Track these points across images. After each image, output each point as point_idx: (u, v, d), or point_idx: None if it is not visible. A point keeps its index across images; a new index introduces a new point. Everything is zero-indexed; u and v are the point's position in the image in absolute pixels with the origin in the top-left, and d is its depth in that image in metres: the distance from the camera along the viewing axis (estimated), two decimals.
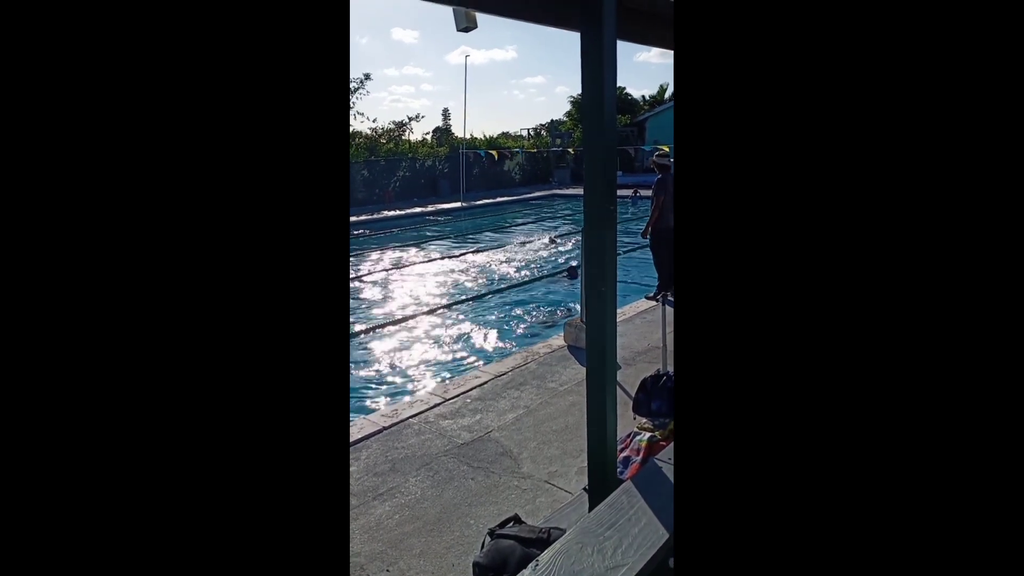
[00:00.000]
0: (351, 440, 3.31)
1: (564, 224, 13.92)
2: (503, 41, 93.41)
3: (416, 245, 11.69)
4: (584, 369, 1.96)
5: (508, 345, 5.75)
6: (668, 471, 1.66)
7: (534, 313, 6.82)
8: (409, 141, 22.19)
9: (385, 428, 3.48)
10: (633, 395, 2.60)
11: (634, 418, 2.60)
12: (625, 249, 9.58)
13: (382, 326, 6.44)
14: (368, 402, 4.67)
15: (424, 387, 4.77)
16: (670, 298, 5.81)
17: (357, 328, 6.33)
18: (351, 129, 19.28)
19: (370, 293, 7.97)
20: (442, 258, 10.27)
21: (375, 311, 7.09)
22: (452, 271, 9.21)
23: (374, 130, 21.25)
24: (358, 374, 5.18)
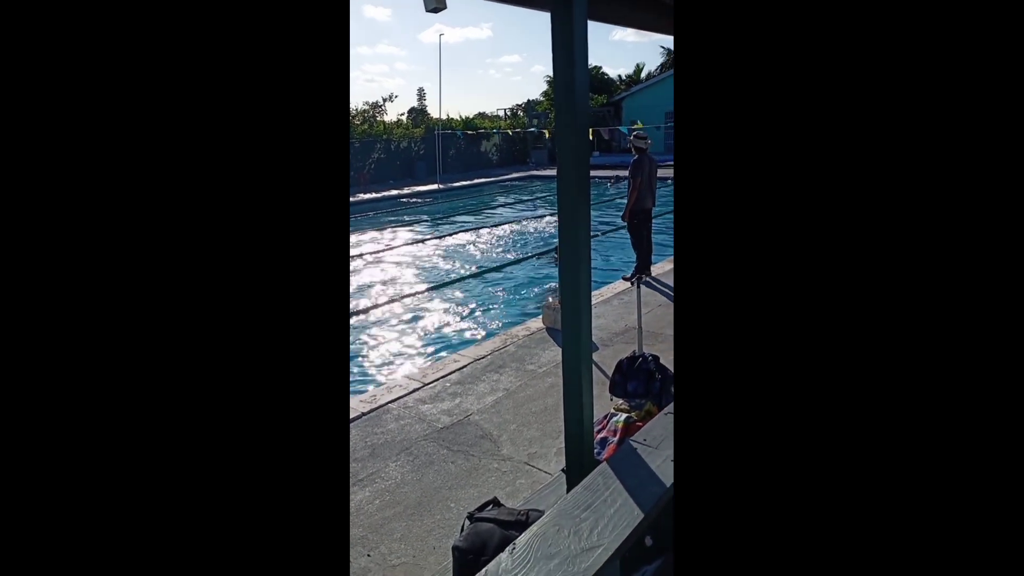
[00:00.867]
0: None
1: (544, 206, 13.88)
2: (477, 19, 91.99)
3: (393, 228, 11.57)
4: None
5: (490, 327, 5.76)
6: (643, 452, 1.69)
7: (517, 295, 6.82)
8: (384, 122, 21.83)
9: (364, 414, 3.47)
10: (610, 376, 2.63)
11: (611, 399, 2.63)
12: (604, 230, 9.61)
13: (362, 312, 6.39)
14: None
15: (402, 372, 4.76)
16: (646, 279, 5.85)
17: None
18: None
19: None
20: (421, 241, 10.19)
21: (352, 297, 7.03)
22: (430, 255, 9.16)
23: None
24: None
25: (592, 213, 1.75)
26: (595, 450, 2.25)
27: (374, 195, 15.92)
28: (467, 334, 5.65)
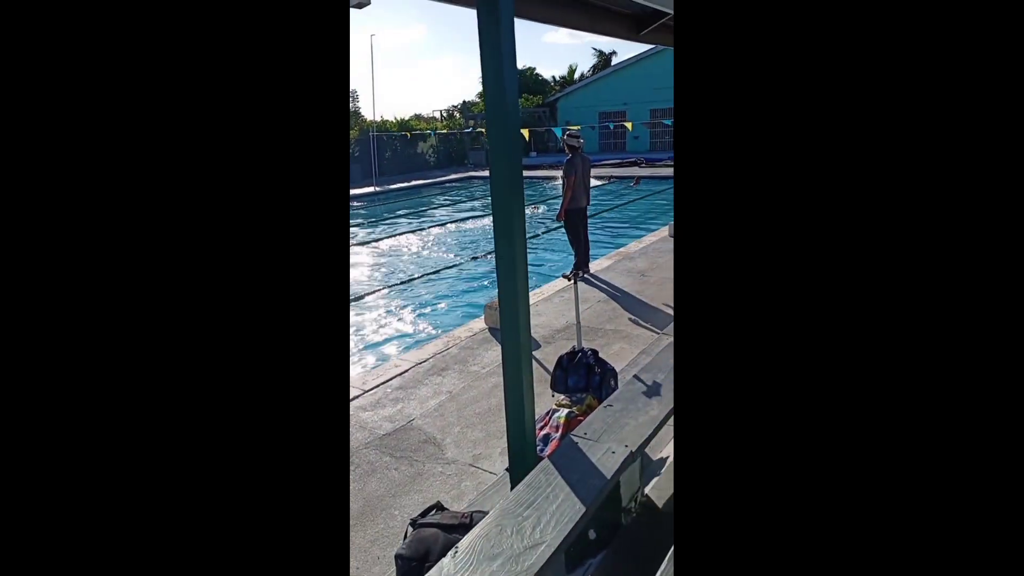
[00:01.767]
0: None
1: (483, 209, 13.87)
2: (410, 20, 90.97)
3: None
4: None
5: (431, 331, 5.69)
6: (584, 446, 1.70)
7: (459, 297, 6.77)
8: None
9: None
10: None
11: (553, 395, 2.65)
12: (541, 230, 9.69)
13: None
14: None
15: None
16: (584, 276, 5.94)
17: None
18: None
19: None
20: (357, 245, 9.96)
21: None
22: (367, 260, 8.97)
23: None
24: None
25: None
26: (538, 447, 2.25)
27: None
28: (408, 339, 5.56)
